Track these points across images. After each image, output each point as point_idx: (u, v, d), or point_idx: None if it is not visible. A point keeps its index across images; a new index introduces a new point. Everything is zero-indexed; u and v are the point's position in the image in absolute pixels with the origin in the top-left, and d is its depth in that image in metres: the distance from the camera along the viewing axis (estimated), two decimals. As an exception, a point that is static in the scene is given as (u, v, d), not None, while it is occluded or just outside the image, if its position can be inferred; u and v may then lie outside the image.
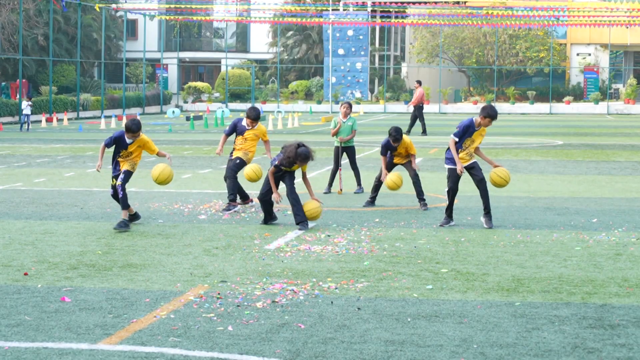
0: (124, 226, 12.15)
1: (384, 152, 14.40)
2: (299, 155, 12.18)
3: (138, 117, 13.27)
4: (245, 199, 14.50)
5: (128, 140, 12.53)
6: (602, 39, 66.71)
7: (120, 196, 12.42)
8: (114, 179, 12.67)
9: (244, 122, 14.41)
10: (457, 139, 12.37)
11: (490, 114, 12.25)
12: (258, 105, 62.10)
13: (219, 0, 70.78)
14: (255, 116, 14.33)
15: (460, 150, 12.42)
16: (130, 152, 12.59)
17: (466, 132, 12.36)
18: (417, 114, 34.10)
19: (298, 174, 12.86)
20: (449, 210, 12.64)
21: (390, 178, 14.26)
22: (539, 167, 21.62)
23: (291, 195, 12.36)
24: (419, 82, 35.30)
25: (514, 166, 21.69)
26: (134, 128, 12.42)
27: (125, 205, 12.36)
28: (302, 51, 69.71)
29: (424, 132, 33.82)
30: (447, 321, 7.49)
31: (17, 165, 21.88)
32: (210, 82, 71.59)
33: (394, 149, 14.37)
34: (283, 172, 12.54)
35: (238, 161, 14.31)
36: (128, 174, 12.58)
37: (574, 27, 65.72)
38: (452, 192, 12.53)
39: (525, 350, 6.70)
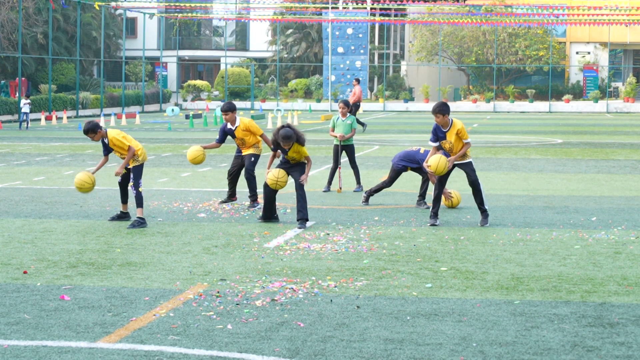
0: (137, 225, 12.20)
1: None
2: (279, 136, 12.31)
3: (96, 120, 13.22)
4: (233, 196, 14.60)
5: (106, 141, 12.54)
6: (601, 37, 66.71)
7: (134, 195, 12.45)
8: (125, 169, 12.69)
9: (229, 125, 14.39)
10: (435, 144, 12.56)
11: (432, 110, 12.45)
12: (257, 103, 62.19)
13: (219, -1, 70.80)
14: (226, 108, 14.29)
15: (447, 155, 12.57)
16: (118, 152, 12.59)
17: (436, 135, 12.51)
18: (353, 112, 34.30)
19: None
20: (435, 203, 12.57)
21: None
22: (538, 165, 21.62)
23: (298, 191, 12.36)
24: (357, 80, 35.49)
25: (513, 164, 21.70)
26: (84, 129, 12.42)
27: (140, 204, 12.36)
28: (302, 49, 69.71)
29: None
30: (447, 319, 7.50)
31: (17, 163, 21.88)
32: (210, 81, 71.59)
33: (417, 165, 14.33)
34: (292, 164, 12.56)
35: (253, 159, 14.32)
36: (135, 171, 12.53)
37: (574, 26, 65.73)
38: (439, 183, 12.54)
39: (525, 349, 6.70)
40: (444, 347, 6.72)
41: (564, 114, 57.48)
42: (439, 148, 12.55)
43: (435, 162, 12.32)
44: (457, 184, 15.13)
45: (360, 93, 34.48)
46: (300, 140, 12.36)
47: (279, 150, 12.63)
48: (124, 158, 12.56)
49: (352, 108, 34.92)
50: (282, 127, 12.43)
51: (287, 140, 12.29)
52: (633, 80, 63.16)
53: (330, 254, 10.42)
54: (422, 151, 14.28)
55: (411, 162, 14.30)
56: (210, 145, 14.63)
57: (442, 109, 12.36)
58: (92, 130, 12.39)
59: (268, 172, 12.59)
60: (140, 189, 12.44)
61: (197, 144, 14.59)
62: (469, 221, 12.89)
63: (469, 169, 12.55)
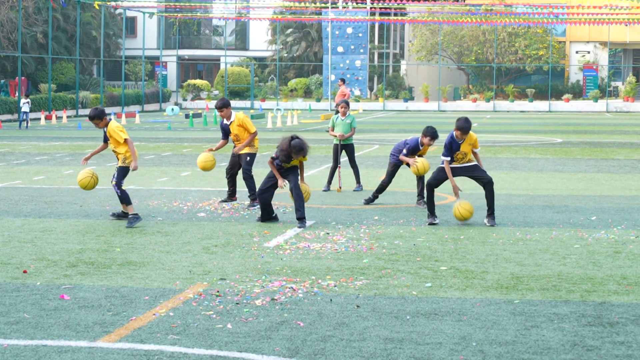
0: (134, 221, 12.20)
1: (407, 155, 14.07)
2: (293, 148, 12.19)
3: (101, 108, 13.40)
4: (233, 196, 14.61)
5: (105, 129, 12.58)
6: (601, 36, 66.71)
7: (118, 195, 12.43)
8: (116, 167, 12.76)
9: (225, 121, 14.43)
10: (448, 158, 12.44)
11: (458, 127, 12.34)
12: (257, 103, 62.18)
13: (218, -2, 70.81)
14: (220, 105, 14.32)
15: (454, 162, 12.48)
16: (111, 143, 12.62)
17: (451, 148, 12.41)
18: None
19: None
20: (430, 206, 12.55)
21: (422, 164, 13.67)
22: (538, 165, 21.62)
23: (295, 190, 12.37)
24: (343, 80, 35.46)
25: (513, 164, 21.70)
26: (90, 115, 12.49)
27: (127, 202, 12.37)
28: (302, 49, 69.70)
29: None
30: (446, 319, 7.50)
31: (16, 163, 21.88)
32: (210, 80, 71.58)
33: (417, 151, 14.17)
34: (285, 169, 12.55)
35: (248, 158, 14.32)
36: (120, 171, 12.55)
37: (573, 25, 65.73)
38: (429, 186, 12.52)
39: (524, 348, 6.70)
40: (444, 347, 6.72)
41: (563, 113, 57.48)
42: (451, 161, 12.49)
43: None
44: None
45: (348, 93, 34.37)
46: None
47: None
48: (116, 152, 12.60)
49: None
50: (292, 138, 12.30)
51: (301, 153, 12.24)
52: (633, 79, 63.17)
53: (330, 253, 10.42)
54: (409, 137, 14.37)
55: (400, 152, 14.33)
56: (219, 145, 14.67)
57: (471, 126, 12.40)
58: (99, 116, 12.48)
59: (302, 184, 12.60)
60: (123, 188, 12.43)
61: (205, 152, 14.54)
62: (469, 220, 12.88)
63: (480, 172, 12.54)
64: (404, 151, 14.05)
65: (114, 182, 12.47)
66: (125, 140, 12.47)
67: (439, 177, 12.51)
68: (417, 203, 14.39)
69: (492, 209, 12.52)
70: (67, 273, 9.24)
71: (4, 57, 52.30)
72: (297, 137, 12.30)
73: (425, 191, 12.61)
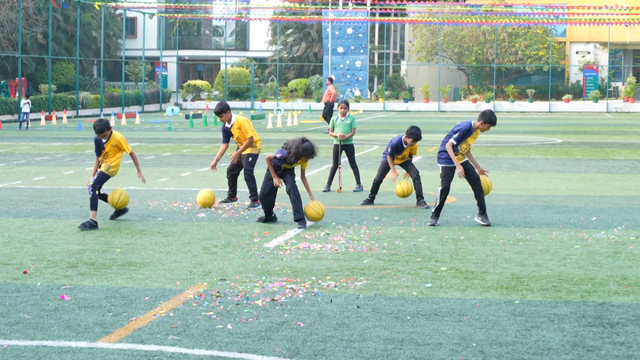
0: (88, 226, 12.07)
1: (392, 153, 14.36)
2: (305, 150, 12.18)
3: (105, 118, 13.51)
4: (233, 196, 14.61)
5: (103, 141, 12.61)
6: (601, 37, 66.70)
7: (90, 196, 12.36)
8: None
9: (226, 124, 14.44)
10: (455, 143, 12.38)
11: (491, 120, 12.38)
12: (257, 103, 62.18)
13: (218, -1, 70.85)
14: (218, 110, 14.34)
15: (455, 153, 12.43)
16: (107, 152, 12.63)
17: (464, 136, 12.39)
18: (328, 110, 34.07)
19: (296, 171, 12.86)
20: (439, 210, 12.56)
21: (400, 186, 14.46)
22: (538, 165, 21.62)
23: (292, 192, 12.38)
24: (331, 79, 35.56)
25: (513, 164, 21.70)
26: (97, 127, 12.51)
27: (94, 207, 12.26)
28: (302, 49, 69.69)
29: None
30: (447, 319, 7.50)
31: (17, 163, 21.88)
32: (210, 81, 71.57)
33: (401, 150, 14.37)
34: (283, 170, 12.55)
35: (250, 159, 14.33)
36: (100, 176, 12.52)
37: (574, 25, 65.73)
38: (446, 191, 12.50)
39: (525, 349, 6.70)
40: (444, 347, 6.72)
41: (564, 113, 57.47)
42: (455, 149, 12.46)
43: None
44: (457, 183, 15.12)
45: (335, 92, 34.37)
46: None
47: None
48: (105, 159, 12.61)
49: (328, 108, 34.58)
50: (302, 140, 12.29)
51: (312, 156, 12.27)
52: (633, 80, 63.16)
53: (330, 253, 10.42)
54: (395, 135, 14.62)
55: (396, 149, 14.49)
56: (220, 153, 14.60)
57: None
58: (108, 127, 12.58)
59: (314, 205, 12.48)
60: (96, 192, 12.38)
61: (206, 189, 14.40)
62: (469, 221, 12.89)
63: (471, 167, 12.54)
64: (389, 150, 14.28)
65: (90, 183, 12.43)
66: (131, 153, 12.71)
67: (450, 177, 12.48)
68: (417, 204, 14.39)
69: (484, 208, 12.51)
70: (67, 273, 9.24)
71: (4, 58, 52.30)
72: (307, 140, 12.31)
73: (439, 196, 12.53)
